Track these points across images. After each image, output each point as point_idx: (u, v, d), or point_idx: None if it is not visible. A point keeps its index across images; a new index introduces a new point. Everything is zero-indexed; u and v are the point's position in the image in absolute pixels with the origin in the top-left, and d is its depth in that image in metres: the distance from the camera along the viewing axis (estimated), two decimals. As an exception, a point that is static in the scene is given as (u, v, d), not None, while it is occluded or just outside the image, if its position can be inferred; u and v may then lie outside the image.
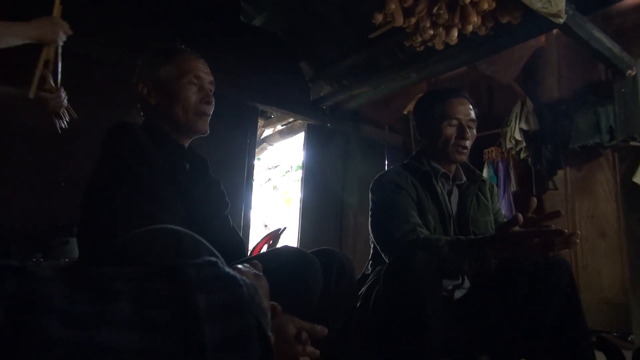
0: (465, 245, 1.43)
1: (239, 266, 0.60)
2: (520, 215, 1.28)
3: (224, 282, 0.49)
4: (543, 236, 1.27)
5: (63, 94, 2.08)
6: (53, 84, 2.03)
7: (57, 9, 2.01)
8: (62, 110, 2.14)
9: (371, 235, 1.69)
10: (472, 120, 1.67)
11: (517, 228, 1.29)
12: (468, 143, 1.67)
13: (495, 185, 1.87)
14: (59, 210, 2.90)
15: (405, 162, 1.81)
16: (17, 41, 1.72)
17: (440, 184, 1.70)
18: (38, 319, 0.37)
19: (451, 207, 1.69)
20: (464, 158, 1.70)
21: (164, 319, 0.43)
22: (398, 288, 1.32)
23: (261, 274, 0.62)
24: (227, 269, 0.50)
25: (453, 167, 1.74)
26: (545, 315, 1.42)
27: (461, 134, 1.65)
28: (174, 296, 0.45)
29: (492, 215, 1.77)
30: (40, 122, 2.95)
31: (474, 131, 1.70)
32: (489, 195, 1.79)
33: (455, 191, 1.74)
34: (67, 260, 2.53)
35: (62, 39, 1.93)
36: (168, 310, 0.44)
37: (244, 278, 0.51)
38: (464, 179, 1.75)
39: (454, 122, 1.65)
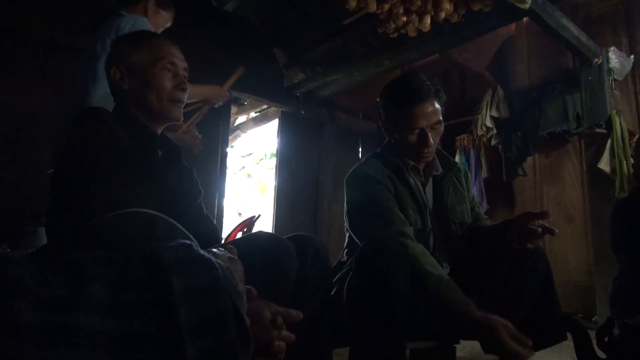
0: (453, 292, 1.38)
1: (214, 250, 0.60)
2: None
3: (199, 264, 0.48)
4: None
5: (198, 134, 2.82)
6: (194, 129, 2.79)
7: (231, 81, 2.82)
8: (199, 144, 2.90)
9: (348, 228, 1.69)
10: (436, 122, 1.61)
11: None
12: (432, 148, 1.62)
13: (468, 171, 1.87)
14: (26, 199, 2.83)
15: (376, 152, 1.77)
16: (194, 98, 2.32)
17: (412, 177, 1.68)
18: (10, 302, 0.36)
19: (426, 198, 1.68)
20: (430, 158, 1.68)
21: (139, 302, 0.43)
22: (368, 273, 1.33)
23: (236, 257, 0.61)
24: (202, 252, 0.50)
25: (427, 161, 1.72)
26: (523, 299, 1.47)
27: (423, 141, 1.59)
28: (149, 279, 0.44)
29: (468, 201, 1.77)
30: (5, 110, 2.87)
31: (441, 127, 1.64)
32: (464, 183, 1.79)
33: (430, 182, 1.73)
34: (34, 250, 2.48)
35: (219, 104, 2.69)
36: (143, 293, 0.43)
37: (219, 261, 0.50)
38: (440, 169, 1.73)
39: (416, 131, 1.59)
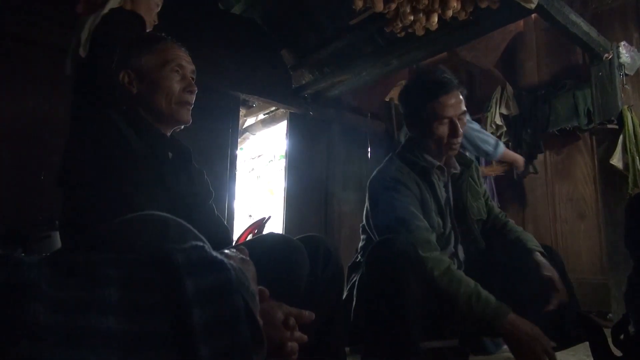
0: (484, 304, 1.37)
1: (226, 251, 0.60)
2: None
3: (211, 265, 0.49)
4: None
5: None
6: None
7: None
8: None
9: (370, 230, 1.67)
10: (462, 113, 1.61)
11: None
12: (460, 138, 1.61)
13: (478, 165, 1.86)
14: (39, 204, 2.86)
15: (398, 152, 1.74)
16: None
17: (436, 177, 1.66)
18: (26, 305, 0.37)
19: (448, 198, 1.67)
20: (455, 153, 1.66)
21: (152, 303, 0.43)
22: (380, 272, 1.33)
23: (248, 258, 0.61)
24: (215, 253, 0.50)
25: (445, 158, 1.70)
26: (540, 299, 1.45)
27: (454, 132, 1.58)
28: (162, 281, 0.45)
29: (482, 198, 1.75)
30: (17, 115, 2.91)
31: (465, 119, 1.64)
32: (476, 178, 1.78)
33: (450, 179, 1.72)
34: (48, 255, 2.50)
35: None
36: (157, 294, 0.44)
37: (232, 262, 0.51)
38: (458, 167, 1.70)
39: (445, 121, 1.58)
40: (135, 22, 1.77)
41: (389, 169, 1.66)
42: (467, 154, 2.25)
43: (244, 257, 0.61)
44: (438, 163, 1.66)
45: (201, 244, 0.51)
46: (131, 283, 0.43)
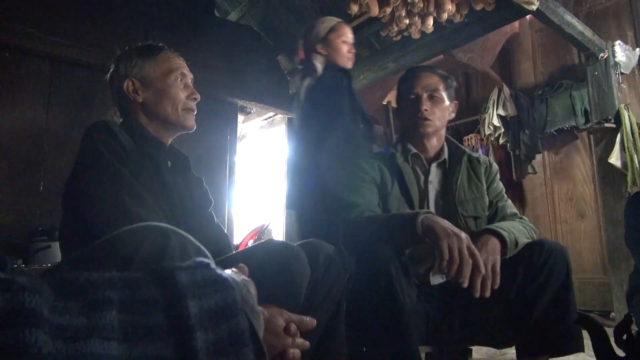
0: (398, 215, 1.45)
1: (227, 271, 0.59)
2: None
3: (216, 285, 0.48)
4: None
5: None
6: None
7: None
8: None
9: None
10: (433, 90, 1.65)
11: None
12: (427, 114, 1.62)
13: (494, 164, 1.80)
14: (39, 215, 2.86)
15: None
16: None
17: (411, 164, 1.66)
18: (28, 333, 0.36)
19: (427, 187, 1.64)
20: (429, 130, 1.64)
21: (155, 326, 0.43)
22: (364, 284, 1.32)
23: (248, 278, 0.61)
24: (220, 271, 0.50)
25: (433, 145, 1.69)
26: (539, 303, 1.39)
27: (416, 106, 1.63)
28: (164, 303, 0.44)
29: (485, 195, 1.69)
30: (14, 126, 2.91)
31: (443, 101, 1.66)
32: (483, 175, 1.72)
33: (437, 170, 1.68)
34: (49, 265, 2.49)
35: None
36: (159, 317, 0.43)
37: (236, 278, 0.50)
38: (444, 157, 1.69)
39: (412, 97, 1.66)
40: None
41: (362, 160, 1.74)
42: None
43: (244, 277, 0.60)
44: (414, 150, 1.67)
45: (206, 260, 0.50)
46: (133, 305, 0.43)
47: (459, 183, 1.65)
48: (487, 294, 1.25)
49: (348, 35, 2.25)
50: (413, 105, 1.65)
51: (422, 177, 1.66)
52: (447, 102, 1.69)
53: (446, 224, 1.28)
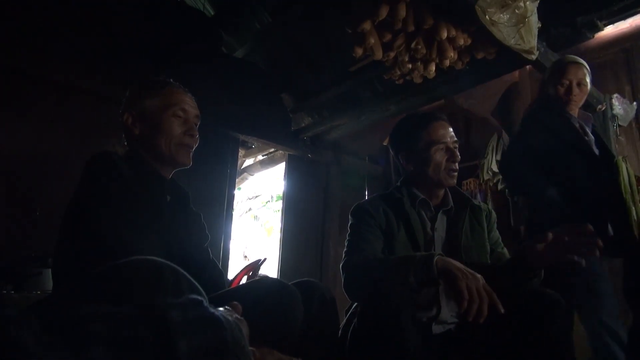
0: (411, 256, 1.39)
1: (220, 309, 0.59)
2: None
3: (207, 324, 0.47)
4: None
5: None
6: None
7: None
8: None
9: None
10: (456, 141, 1.68)
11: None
12: (457, 165, 1.66)
13: (493, 212, 1.81)
14: (32, 240, 2.83)
15: (386, 191, 1.77)
16: None
17: (417, 210, 1.66)
18: None
19: (434, 234, 1.64)
20: (454, 181, 1.67)
21: None
22: (370, 326, 1.29)
23: (242, 317, 0.60)
24: (212, 310, 0.49)
25: (440, 193, 1.70)
26: (537, 355, 1.35)
27: (451, 157, 1.64)
28: (155, 341, 0.44)
29: (487, 243, 1.70)
30: (15, 150, 2.92)
31: (457, 149, 1.69)
32: (484, 222, 1.73)
33: (442, 218, 1.69)
34: (39, 292, 2.46)
35: None
36: (148, 355, 0.43)
37: (229, 318, 0.49)
38: (451, 204, 1.69)
39: (441, 146, 1.64)
40: None
41: (363, 202, 1.71)
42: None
43: (238, 316, 0.60)
44: (422, 197, 1.67)
45: (199, 298, 0.49)
46: (122, 341, 0.42)
47: (464, 230, 1.66)
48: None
49: None
50: (443, 154, 1.65)
51: (428, 224, 1.66)
52: None
53: (460, 265, 1.28)
